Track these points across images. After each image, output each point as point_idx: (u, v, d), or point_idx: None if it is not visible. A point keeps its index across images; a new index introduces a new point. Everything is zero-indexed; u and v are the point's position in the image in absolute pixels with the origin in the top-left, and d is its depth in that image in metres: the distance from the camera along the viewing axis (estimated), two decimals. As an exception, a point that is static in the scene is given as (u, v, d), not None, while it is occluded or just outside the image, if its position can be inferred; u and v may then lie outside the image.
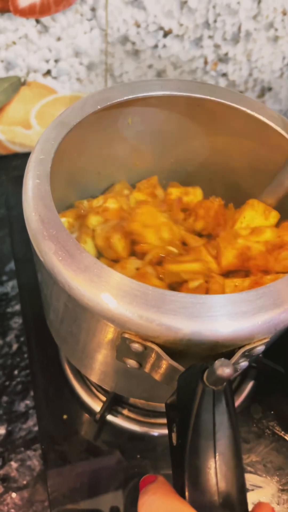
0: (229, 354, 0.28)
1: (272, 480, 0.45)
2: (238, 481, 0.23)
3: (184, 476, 0.23)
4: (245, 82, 0.77)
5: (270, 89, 0.80)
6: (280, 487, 0.45)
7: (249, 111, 0.37)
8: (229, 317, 0.26)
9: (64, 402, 0.48)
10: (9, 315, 0.58)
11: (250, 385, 0.50)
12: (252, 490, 0.44)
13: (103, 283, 0.27)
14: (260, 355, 0.50)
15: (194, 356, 0.28)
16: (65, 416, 0.47)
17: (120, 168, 0.44)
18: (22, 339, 0.56)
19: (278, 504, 0.44)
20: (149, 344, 0.27)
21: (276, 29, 0.70)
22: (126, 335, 0.28)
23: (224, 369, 0.22)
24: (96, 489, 0.43)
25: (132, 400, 0.48)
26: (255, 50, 0.72)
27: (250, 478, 0.45)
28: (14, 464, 0.47)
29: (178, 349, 0.27)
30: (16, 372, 0.53)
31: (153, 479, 0.24)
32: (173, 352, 0.28)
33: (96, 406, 0.47)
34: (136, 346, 0.28)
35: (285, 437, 0.47)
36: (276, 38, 0.71)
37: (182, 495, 0.23)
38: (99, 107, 0.35)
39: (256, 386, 0.50)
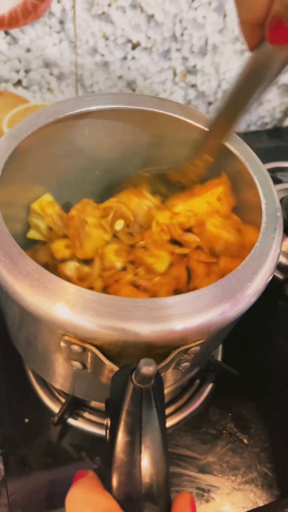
0: (165, 355, 0.30)
1: (228, 480, 0.46)
2: (162, 474, 0.24)
3: (112, 469, 0.24)
4: (214, 93, 0.79)
5: (239, 99, 0.82)
6: (235, 486, 0.46)
7: (196, 124, 0.39)
8: (162, 319, 0.28)
9: (27, 406, 0.48)
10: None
11: (209, 387, 0.51)
12: (208, 490, 0.45)
13: (43, 288, 0.28)
14: (217, 360, 0.52)
15: (131, 356, 0.29)
16: (26, 420, 0.48)
17: (77, 178, 0.46)
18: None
19: (233, 503, 0.45)
20: (87, 345, 0.28)
21: (242, 43, 0.72)
22: (66, 338, 0.29)
23: (148, 367, 0.23)
24: (55, 492, 0.44)
25: (93, 403, 0.49)
26: (223, 62, 0.74)
27: (206, 479, 0.46)
28: (-22, 468, 0.48)
29: (115, 350, 0.29)
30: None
31: (84, 474, 0.25)
32: (112, 353, 0.29)
33: (57, 410, 0.48)
34: (75, 348, 0.29)
35: (241, 438, 0.48)
36: (242, 51, 0.74)
37: (110, 488, 0.24)
38: (51, 119, 0.37)
39: (215, 389, 0.51)
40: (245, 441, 0.48)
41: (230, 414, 0.50)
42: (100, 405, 0.49)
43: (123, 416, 0.25)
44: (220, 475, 0.46)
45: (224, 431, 0.49)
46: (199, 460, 0.47)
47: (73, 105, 0.38)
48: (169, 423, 0.48)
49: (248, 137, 0.90)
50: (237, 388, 0.51)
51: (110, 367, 0.28)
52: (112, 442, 0.25)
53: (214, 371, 0.50)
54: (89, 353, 0.29)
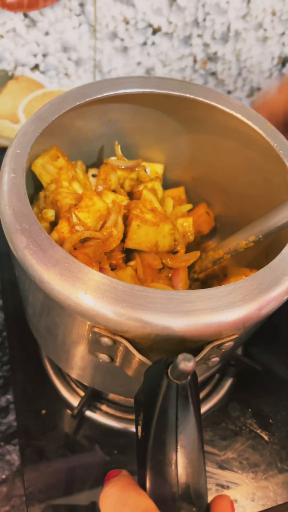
0: (197, 349, 0.28)
1: (248, 477, 0.45)
2: (199, 474, 0.23)
3: (146, 468, 0.23)
4: (234, 82, 0.77)
5: (259, 89, 0.80)
6: (255, 484, 0.45)
7: (228, 110, 0.37)
8: (197, 312, 0.27)
9: (44, 398, 0.48)
10: (-9, 309, 0.58)
11: (229, 382, 0.50)
12: (228, 487, 0.44)
13: (73, 278, 0.27)
14: (239, 352, 0.50)
15: (163, 350, 0.28)
16: (43, 411, 0.47)
17: (99, 164, 0.44)
18: (4, 333, 0.55)
19: (252, 500, 0.44)
20: (118, 338, 0.27)
21: (265, 30, 0.70)
22: (96, 329, 0.28)
23: (186, 363, 0.22)
24: (72, 485, 0.43)
25: (111, 396, 0.48)
26: (244, 50, 0.72)
27: (225, 475, 0.45)
28: (-7, 458, 0.47)
29: (146, 343, 0.28)
30: (-3, 366, 0.53)
31: (117, 473, 0.25)
32: (142, 346, 0.28)
33: (75, 402, 0.47)
34: (105, 340, 0.28)
35: (262, 435, 0.47)
36: (265, 39, 0.72)
37: (144, 488, 0.23)
38: (78, 103, 0.35)
39: (235, 384, 0.50)
40: (266, 438, 0.47)
41: (250, 410, 0.49)
42: (118, 398, 0.48)
43: (158, 412, 0.24)
44: (240, 472, 0.45)
45: (244, 427, 0.48)
46: (218, 456, 0.46)
47: (101, 88, 0.36)
48: (188, 417, 0.48)
49: None
50: (258, 383, 0.50)
51: (142, 361, 0.27)
52: (145, 439, 0.24)
53: (235, 366, 0.49)
54: (120, 346, 0.28)
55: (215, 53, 0.72)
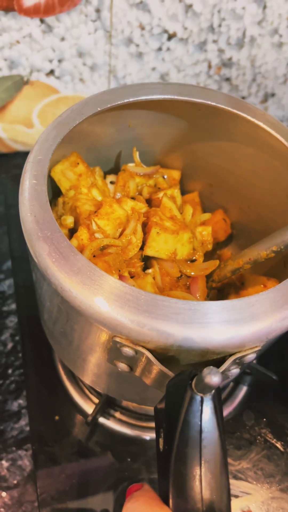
0: (219, 361, 0.28)
1: (262, 488, 0.45)
2: (223, 489, 0.22)
3: (169, 482, 0.23)
4: (248, 87, 0.77)
5: (273, 94, 0.80)
6: (270, 494, 0.44)
7: (249, 117, 0.37)
8: (220, 324, 0.26)
9: (57, 403, 0.47)
10: (5, 314, 0.58)
11: (243, 391, 0.49)
12: (242, 497, 0.44)
13: (95, 286, 0.27)
14: (254, 361, 0.50)
15: (185, 362, 0.28)
16: (57, 417, 0.47)
17: (118, 169, 0.44)
18: (17, 338, 0.56)
19: (267, 511, 0.44)
20: (139, 348, 0.27)
21: (280, 35, 0.70)
22: (117, 339, 0.27)
23: (212, 377, 0.22)
24: (85, 492, 0.43)
25: (124, 403, 0.47)
26: (259, 55, 0.72)
27: (240, 485, 0.45)
28: (5, 464, 0.47)
29: (168, 354, 0.27)
30: (10, 371, 0.53)
31: (139, 487, 0.24)
32: (164, 357, 0.28)
33: (89, 408, 0.47)
34: (126, 350, 0.28)
35: (277, 445, 0.47)
36: (280, 44, 0.71)
37: (166, 502, 0.23)
38: (99, 109, 0.35)
39: (249, 392, 0.50)
40: (281, 448, 0.47)
41: (265, 419, 0.48)
42: (132, 405, 0.47)
43: (181, 425, 0.24)
44: (254, 482, 0.45)
45: (259, 437, 0.47)
46: (233, 465, 0.45)
47: (121, 94, 0.36)
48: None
49: None
50: (273, 392, 0.49)
51: (163, 372, 0.27)
52: (168, 452, 0.23)
53: (250, 374, 0.48)
54: (141, 357, 0.28)
55: (229, 59, 0.71)
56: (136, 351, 0.27)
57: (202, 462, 0.23)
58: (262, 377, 0.47)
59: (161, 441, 0.25)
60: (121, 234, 0.36)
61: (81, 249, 0.34)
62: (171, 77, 0.72)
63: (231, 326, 0.26)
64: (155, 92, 0.37)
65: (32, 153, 0.33)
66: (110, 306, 0.27)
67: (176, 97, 0.37)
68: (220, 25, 0.66)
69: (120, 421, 0.47)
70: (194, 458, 0.23)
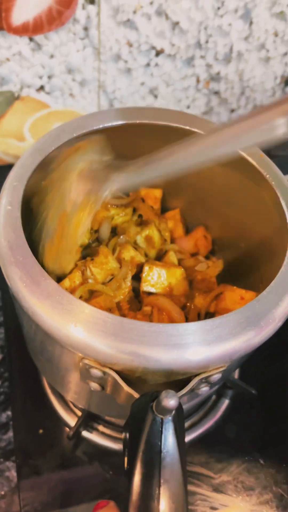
0: (186, 381, 0.29)
1: (243, 501, 0.45)
2: (182, 508, 0.23)
3: (129, 501, 0.23)
4: (237, 100, 0.78)
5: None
6: (250, 507, 0.45)
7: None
8: (184, 346, 0.27)
9: (41, 416, 0.48)
10: (-5, 326, 0.59)
11: (225, 404, 0.50)
12: (221, 509, 0.45)
13: (64, 310, 0.28)
14: (235, 377, 0.51)
15: (152, 382, 0.29)
16: (41, 430, 0.47)
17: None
18: (6, 350, 0.56)
19: (247, 524, 0.44)
20: (107, 370, 0.28)
21: (267, 50, 0.71)
22: (86, 361, 0.28)
23: (169, 400, 0.23)
24: (68, 504, 0.44)
25: (107, 417, 0.48)
26: (247, 70, 0.73)
27: (220, 498, 0.45)
28: (-8, 475, 0.48)
29: (135, 375, 0.28)
30: (-1, 382, 0.54)
31: (105, 504, 0.25)
32: (131, 378, 0.29)
33: (72, 421, 0.48)
34: (95, 372, 0.29)
35: (257, 458, 0.47)
36: (267, 59, 0.72)
37: (127, 521, 0.23)
38: (74, 135, 0.36)
39: (231, 406, 0.50)
40: (261, 461, 0.47)
41: (246, 432, 0.49)
42: (114, 418, 0.48)
43: (142, 446, 0.25)
44: (234, 495, 0.45)
45: (240, 450, 0.48)
46: (213, 478, 0.46)
47: (97, 120, 0.37)
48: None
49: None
50: (254, 406, 0.50)
51: (129, 393, 0.28)
52: (130, 472, 0.24)
53: (230, 388, 0.49)
54: (109, 377, 0.29)
55: (218, 73, 0.73)
56: (104, 372, 0.28)
57: (162, 481, 0.24)
58: (242, 391, 0.48)
59: (126, 459, 0.26)
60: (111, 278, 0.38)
61: (72, 290, 0.35)
62: (160, 92, 0.73)
63: (194, 347, 0.27)
64: (132, 117, 0.38)
65: (8, 179, 0.34)
66: (78, 329, 0.28)
67: (152, 121, 0.38)
68: (207, 41, 0.67)
69: (103, 434, 0.48)
70: (153, 478, 0.24)
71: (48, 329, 0.28)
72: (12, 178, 0.34)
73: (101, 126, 0.37)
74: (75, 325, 0.28)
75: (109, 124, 0.37)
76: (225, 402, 0.50)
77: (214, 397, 0.51)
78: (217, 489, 0.46)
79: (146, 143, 0.41)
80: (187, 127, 0.39)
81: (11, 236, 0.31)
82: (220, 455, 0.47)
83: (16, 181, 0.33)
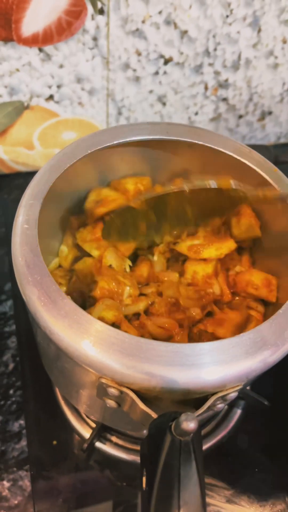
0: (203, 399, 0.29)
1: (256, 511, 0.45)
2: (201, 531, 0.24)
3: (149, 523, 0.24)
4: (245, 107, 0.78)
5: (270, 113, 0.81)
6: (263, 518, 0.45)
7: (235, 156, 0.38)
8: (201, 366, 0.27)
9: (55, 427, 0.49)
10: (7, 334, 0.60)
11: (237, 414, 0.50)
12: (235, 520, 0.45)
13: (82, 330, 0.28)
14: (247, 387, 0.51)
15: (169, 400, 0.29)
16: (54, 442, 0.48)
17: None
18: (18, 359, 0.57)
19: (260, 535, 0.44)
20: (124, 389, 0.28)
21: (276, 57, 0.71)
22: (103, 380, 0.29)
23: (188, 423, 0.23)
24: (82, 515, 0.44)
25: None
26: (255, 76, 0.73)
27: (233, 509, 0.45)
28: (6, 484, 0.49)
29: (152, 394, 0.29)
30: (11, 391, 0.54)
31: None
32: (148, 396, 0.29)
33: (86, 433, 0.48)
34: (112, 391, 0.29)
35: (271, 468, 0.48)
36: (275, 65, 0.72)
37: None
38: (89, 151, 0.36)
39: (243, 416, 0.50)
40: (275, 471, 0.47)
41: (258, 442, 0.49)
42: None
43: (161, 468, 0.25)
44: (247, 506, 0.46)
45: (253, 461, 0.48)
46: (226, 490, 0.46)
47: (111, 136, 0.38)
48: (196, 449, 0.48)
49: (278, 149, 0.88)
50: (267, 416, 0.50)
51: (147, 412, 0.28)
52: (149, 493, 0.24)
53: (243, 399, 0.49)
54: (126, 397, 0.29)
55: (226, 80, 0.73)
56: (121, 392, 0.29)
57: (181, 503, 0.24)
58: (254, 402, 0.48)
59: (144, 479, 0.26)
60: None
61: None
62: (169, 99, 0.73)
63: (211, 368, 0.27)
64: (143, 133, 0.38)
65: (24, 197, 0.34)
66: (96, 349, 0.28)
67: (164, 137, 0.38)
68: (215, 49, 0.67)
69: (117, 445, 0.48)
70: (172, 500, 0.24)
71: (66, 348, 0.28)
72: (28, 196, 0.34)
73: (115, 142, 0.37)
74: (92, 344, 0.28)
75: (123, 140, 0.37)
76: (238, 412, 0.50)
77: (226, 407, 0.51)
78: (231, 500, 0.46)
79: (160, 158, 0.41)
80: (201, 142, 0.39)
81: (28, 255, 0.31)
82: (233, 465, 0.47)
83: (32, 199, 0.33)
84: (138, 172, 0.43)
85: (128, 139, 0.38)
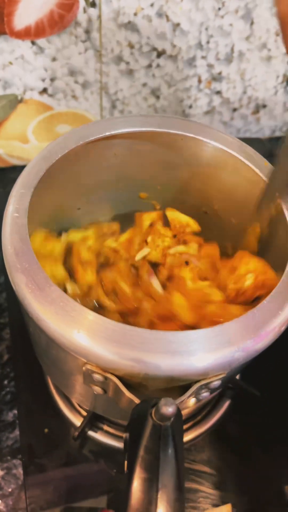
0: (186, 387, 0.30)
1: (244, 498, 0.46)
2: (179, 512, 0.24)
3: (128, 505, 0.24)
4: (239, 100, 0.78)
5: (264, 106, 0.81)
6: (251, 505, 0.46)
7: (225, 148, 0.39)
8: (183, 353, 0.28)
9: (46, 416, 0.49)
10: (1, 326, 0.60)
11: (226, 404, 0.51)
12: (217, 506, 0.46)
13: (67, 316, 0.29)
14: (236, 378, 0.51)
15: (153, 387, 0.30)
16: (46, 430, 0.49)
17: (106, 195, 0.46)
18: (12, 349, 0.58)
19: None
20: (108, 375, 0.29)
21: (269, 49, 0.71)
22: (88, 366, 0.29)
23: (167, 408, 0.24)
24: (73, 502, 0.45)
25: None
26: (249, 69, 0.73)
27: (222, 495, 0.46)
28: (0, 472, 0.49)
29: (136, 381, 0.29)
30: (5, 382, 0.55)
31: None
32: (132, 383, 0.30)
33: (77, 421, 0.48)
34: (97, 377, 0.29)
35: (260, 456, 0.48)
36: (269, 58, 0.72)
37: (126, 524, 0.24)
38: (81, 142, 0.37)
39: (233, 405, 0.51)
40: (264, 459, 0.48)
41: (248, 431, 0.50)
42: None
43: (141, 451, 0.25)
44: (236, 493, 0.46)
45: (242, 448, 0.49)
46: (215, 476, 0.47)
47: (103, 128, 0.38)
48: (187, 438, 0.49)
49: (273, 143, 0.88)
50: (256, 405, 0.51)
51: (130, 398, 0.29)
52: (130, 476, 0.25)
53: (233, 389, 0.50)
54: (110, 382, 0.30)
55: (219, 73, 0.73)
56: (106, 378, 0.29)
57: (160, 486, 0.24)
58: (245, 392, 0.48)
59: (126, 463, 0.27)
60: None
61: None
62: (162, 92, 0.73)
63: (194, 355, 0.28)
64: (136, 125, 0.38)
65: (15, 187, 0.35)
66: (81, 335, 0.28)
67: (156, 129, 0.39)
68: (208, 42, 0.67)
69: (108, 433, 0.49)
70: (151, 483, 0.24)
71: (52, 334, 0.29)
72: (19, 185, 0.34)
73: (106, 133, 0.38)
74: (78, 331, 0.28)
75: (115, 132, 0.38)
76: (227, 402, 0.51)
77: (216, 397, 0.51)
78: (219, 487, 0.47)
79: (150, 150, 0.42)
80: (191, 135, 0.39)
81: (17, 244, 0.31)
82: (222, 453, 0.48)
83: (23, 189, 0.34)
84: (128, 165, 0.44)
85: (120, 131, 0.38)
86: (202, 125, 0.40)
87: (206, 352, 0.28)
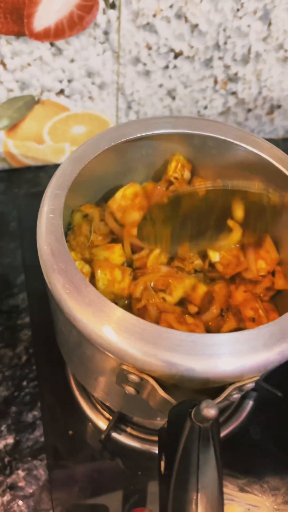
0: (220, 389, 0.30)
1: (268, 500, 0.46)
2: (220, 514, 0.24)
3: (167, 506, 0.24)
4: (254, 100, 0.78)
5: (279, 106, 0.81)
6: (275, 507, 0.46)
7: (255, 151, 0.39)
8: (220, 356, 0.28)
9: (70, 418, 0.49)
10: (19, 327, 0.61)
11: (249, 405, 0.51)
12: (248, 509, 0.46)
13: (105, 317, 0.29)
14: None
15: (188, 389, 0.30)
16: (70, 432, 0.49)
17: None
18: (31, 351, 0.58)
19: (272, 523, 0.45)
20: (145, 376, 0.29)
21: (286, 50, 0.71)
22: (124, 367, 0.29)
23: (209, 410, 0.24)
24: (98, 505, 0.45)
25: (135, 418, 0.49)
26: (265, 70, 0.73)
27: (247, 498, 0.46)
28: (21, 473, 0.50)
29: (171, 382, 0.29)
30: (24, 383, 0.55)
31: (141, 511, 0.26)
32: (167, 384, 0.30)
33: (101, 423, 0.49)
34: (133, 377, 0.30)
35: (283, 458, 0.48)
36: (285, 59, 0.72)
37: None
38: (113, 143, 0.37)
39: (255, 407, 0.51)
40: (287, 462, 0.48)
41: (271, 433, 0.49)
42: (142, 420, 0.49)
43: (180, 453, 0.25)
44: (260, 495, 0.46)
45: (265, 451, 0.49)
46: (239, 479, 0.47)
47: (135, 129, 0.38)
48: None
49: (287, 143, 0.88)
50: (279, 407, 0.50)
51: (166, 399, 0.29)
52: (168, 478, 0.25)
53: (255, 390, 0.50)
54: (146, 384, 0.30)
55: (235, 74, 0.73)
56: (142, 379, 0.29)
57: (199, 487, 0.24)
58: (267, 393, 0.48)
59: (162, 464, 0.27)
60: None
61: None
62: (178, 93, 0.73)
63: (231, 358, 0.28)
64: (166, 127, 0.38)
65: (49, 187, 0.35)
66: (118, 336, 0.29)
67: (186, 131, 0.39)
68: (225, 43, 0.67)
69: (131, 435, 0.49)
70: (191, 484, 0.24)
71: (89, 335, 0.29)
72: (53, 186, 0.34)
73: (138, 135, 0.38)
74: (115, 332, 0.28)
75: (147, 133, 0.38)
76: (249, 403, 0.51)
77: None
78: (243, 489, 0.47)
79: (179, 152, 0.42)
80: (222, 137, 0.39)
81: (53, 244, 0.31)
82: (245, 455, 0.48)
83: (57, 190, 0.34)
84: (159, 163, 0.44)
85: (151, 132, 0.38)
86: (231, 127, 0.40)
87: (241, 355, 0.28)
